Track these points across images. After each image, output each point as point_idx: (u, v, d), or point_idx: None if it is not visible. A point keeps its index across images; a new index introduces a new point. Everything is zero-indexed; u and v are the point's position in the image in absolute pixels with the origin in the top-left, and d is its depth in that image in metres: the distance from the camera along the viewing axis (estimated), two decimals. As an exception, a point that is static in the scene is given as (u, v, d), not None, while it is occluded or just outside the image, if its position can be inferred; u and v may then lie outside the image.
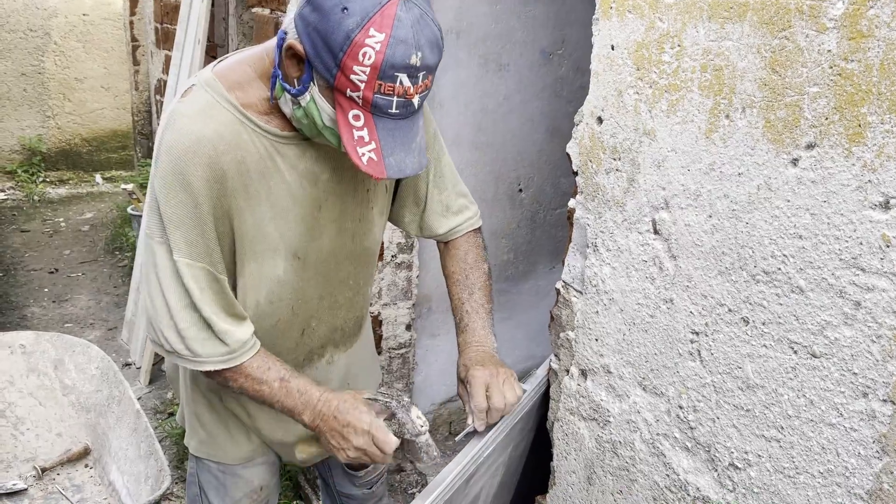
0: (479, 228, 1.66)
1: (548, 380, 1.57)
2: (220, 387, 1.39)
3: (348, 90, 1.13)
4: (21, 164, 6.51)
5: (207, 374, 1.35)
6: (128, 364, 3.66)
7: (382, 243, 2.39)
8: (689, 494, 1.23)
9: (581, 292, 1.42)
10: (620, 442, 1.36)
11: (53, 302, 4.34)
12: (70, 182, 6.59)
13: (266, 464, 1.64)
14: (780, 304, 1.04)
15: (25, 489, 2.21)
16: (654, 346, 1.26)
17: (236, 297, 1.37)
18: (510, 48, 2.49)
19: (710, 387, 1.17)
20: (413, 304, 2.47)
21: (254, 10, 2.90)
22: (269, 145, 1.30)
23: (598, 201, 1.35)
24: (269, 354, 1.37)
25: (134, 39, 5.51)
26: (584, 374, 1.44)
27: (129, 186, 4.48)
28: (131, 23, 5.51)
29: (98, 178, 6.69)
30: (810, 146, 0.97)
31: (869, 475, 0.97)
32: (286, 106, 1.26)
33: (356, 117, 1.15)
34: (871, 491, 0.96)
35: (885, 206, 0.90)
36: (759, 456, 1.11)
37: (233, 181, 1.27)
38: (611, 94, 1.28)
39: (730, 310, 1.12)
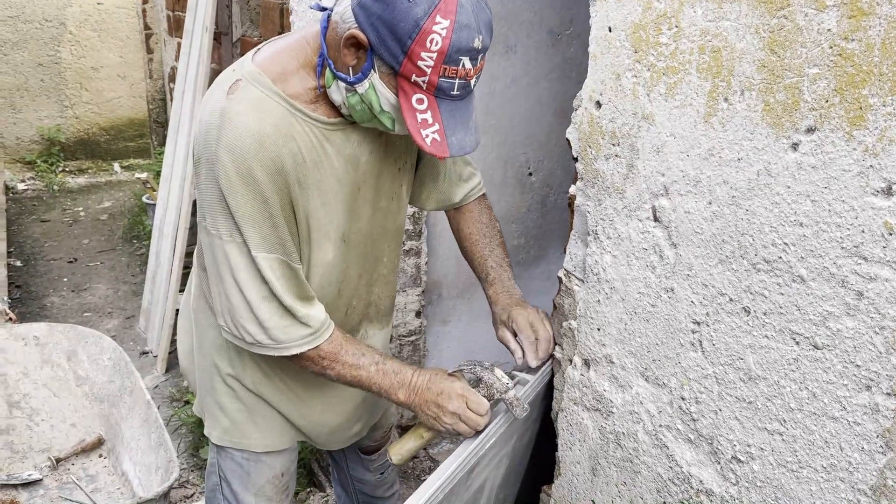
0: (485, 194, 1.73)
1: (552, 369, 1.55)
2: (317, 375, 1.43)
3: (414, 76, 1.17)
4: (40, 154, 6.55)
5: (301, 364, 1.39)
6: (145, 352, 3.69)
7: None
8: (692, 487, 1.20)
9: (583, 281, 1.39)
10: (624, 433, 1.34)
11: (72, 291, 4.39)
12: (89, 171, 6.63)
13: (289, 450, 1.65)
14: (782, 294, 1.01)
15: (41, 479, 2.24)
16: (656, 336, 1.24)
17: None
18: (517, 29, 2.44)
19: (712, 378, 1.14)
20: (422, 291, 2.45)
21: (259, -4, 2.88)
22: (319, 133, 1.32)
23: (597, 188, 1.31)
24: (354, 338, 1.43)
25: (147, 27, 5.51)
26: (587, 364, 1.41)
27: (144, 175, 4.50)
28: (144, 10, 5.51)
29: (116, 166, 6.73)
30: (810, 130, 0.93)
31: (873, 470, 0.93)
32: (337, 94, 1.28)
33: (420, 101, 1.20)
34: (875, 486, 0.93)
35: (888, 192, 0.86)
36: (762, 449, 1.08)
37: (291, 173, 1.30)
38: (609, 77, 1.25)
39: (731, 299, 1.09)
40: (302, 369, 1.44)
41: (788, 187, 0.97)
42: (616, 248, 1.29)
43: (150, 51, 5.55)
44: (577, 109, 1.35)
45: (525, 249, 2.73)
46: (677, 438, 1.22)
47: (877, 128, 0.86)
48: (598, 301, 1.35)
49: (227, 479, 1.62)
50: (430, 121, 1.20)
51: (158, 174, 4.60)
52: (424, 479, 1.33)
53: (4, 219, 4.96)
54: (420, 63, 1.15)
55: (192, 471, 2.82)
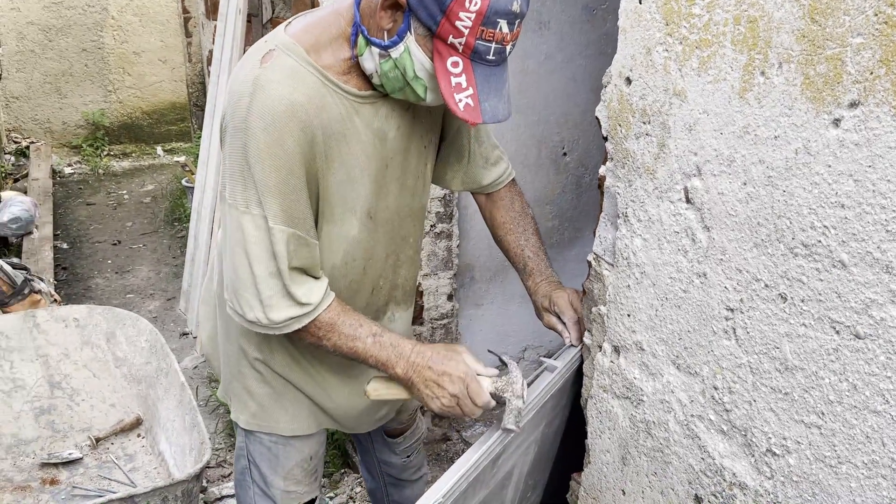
0: (514, 178, 1.70)
1: (581, 355, 1.51)
2: (314, 347, 1.41)
3: (451, 37, 1.17)
4: (86, 138, 6.68)
5: (298, 335, 1.36)
6: (185, 333, 3.75)
7: (421, 212, 2.35)
8: (724, 479, 1.16)
9: (612, 265, 1.34)
10: (654, 422, 1.29)
11: (116, 273, 4.47)
12: (132, 155, 6.73)
13: (317, 434, 1.65)
14: (821, 280, 0.95)
15: (81, 458, 2.29)
16: (688, 323, 1.18)
17: None
18: (551, 4, 2.37)
19: (746, 367, 1.09)
20: (454, 274, 2.42)
21: (290, -24, 2.85)
22: (350, 105, 1.32)
23: (628, 168, 1.26)
24: (355, 311, 1.39)
25: (185, 11, 5.55)
26: (616, 350, 1.37)
27: (182, 159, 4.54)
28: (183, -6, 5.54)
29: (159, 149, 6.82)
30: (853, 104, 0.87)
31: (918, 468, 0.88)
32: (370, 61, 1.28)
33: (455, 64, 1.19)
34: (919, 485, 0.88)
35: (937, 171, 0.80)
36: (799, 443, 1.02)
37: (319, 145, 1.29)
38: (639, 52, 1.19)
39: (766, 285, 1.03)
40: (300, 340, 1.41)
41: (829, 166, 0.91)
42: (647, 232, 1.24)
43: (188, 34, 5.60)
44: (606, 86, 1.29)
45: (559, 231, 2.67)
46: (709, 429, 1.18)
47: (925, 101, 0.79)
48: (629, 286, 1.30)
49: (256, 462, 1.63)
50: (465, 85, 1.20)
51: (197, 157, 4.65)
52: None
53: (52, 202, 5.07)
54: (458, 23, 1.15)
55: (230, 450, 2.85)
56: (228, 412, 3.02)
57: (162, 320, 3.91)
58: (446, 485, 1.24)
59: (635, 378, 1.32)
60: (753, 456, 1.10)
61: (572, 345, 1.53)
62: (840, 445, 0.97)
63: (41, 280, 3.49)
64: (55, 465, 2.26)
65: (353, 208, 1.38)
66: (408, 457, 1.91)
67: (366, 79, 1.32)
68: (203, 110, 5.69)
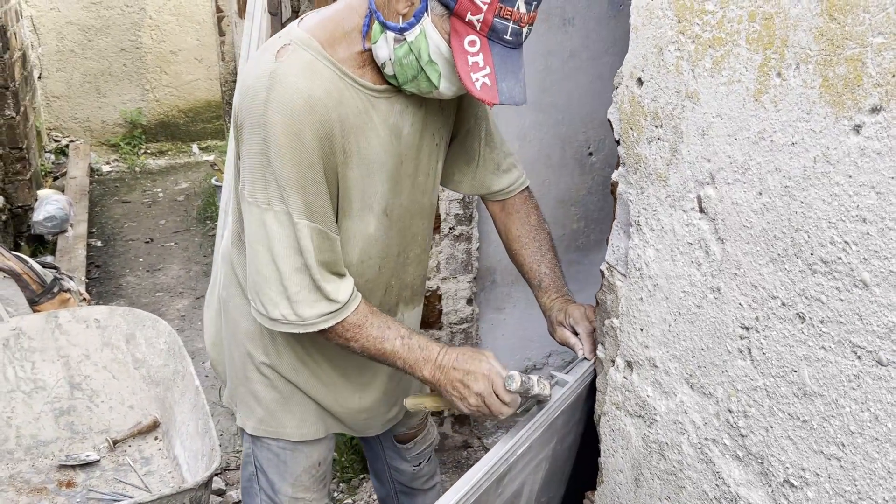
0: (528, 187, 1.67)
1: (594, 370, 1.44)
2: (341, 348, 1.39)
3: (469, 13, 1.16)
4: (124, 136, 6.77)
5: (325, 336, 1.35)
6: (212, 333, 3.75)
7: (439, 215, 2.29)
8: (740, 509, 1.08)
9: (625, 276, 1.27)
10: (667, 443, 1.22)
11: (147, 271, 4.51)
12: (169, 153, 6.81)
13: (326, 440, 1.62)
14: (841, 301, 0.87)
15: (98, 460, 2.29)
16: (702, 341, 1.11)
17: None
18: (575, 0, 2.30)
19: (762, 390, 1.01)
20: (474, 278, 2.36)
21: (313, -26, 2.82)
22: (366, 99, 1.31)
23: (640, 174, 1.19)
24: (381, 312, 1.38)
25: (219, 10, 5.57)
26: (629, 366, 1.30)
27: (211, 157, 4.56)
28: (217, -7, 5.57)
29: (195, 147, 6.89)
30: (875, 110, 0.79)
31: (946, 511, 0.79)
32: (383, 48, 1.26)
33: (472, 43, 1.18)
34: (948, 530, 0.79)
35: (969, 184, 0.72)
36: (818, 475, 0.94)
37: (337, 138, 1.28)
38: (651, 51, 1.12)
39: (783, 303, 0.95)
40: (327, 342, 1.39)
41: (850, 177, 0.83)
42: (659, 242, 1.17)
43: (221, 33, 5.62)
44: (617, 87, 1.22)
45: (584, 234, 2.59)
46: (724, 454, 1.10)
47: (956, 107, 0.71)
48: (641, 298, 1.23)
49: (264, 469, 1.60)
50: (482, 64, 1.19)
51: (226, 156, 4.66)
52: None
53: (87, 201, 5.15)
54: None
55: (250, 453, 2.84)
56: (250, 414, 3.02)
57: (190, 319, 3.93)
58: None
59: (648, 396, 1.25)
60: (770, 486, 1.02)
61: (585, 358, 1.47)
62: (860, 480, 0.89)
63: (71, 279, 3.53)
64: (72, 467, 2.26)
65: (370, 205, 1.37)
66: (418, 464, 1.86)
67: (380, 73, 1.31)
68: (236, 109, 5.72)
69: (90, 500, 2.14)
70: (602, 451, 1.41)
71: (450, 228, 2.28)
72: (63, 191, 5.17)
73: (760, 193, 0.96)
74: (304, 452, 1.58)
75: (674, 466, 1.21)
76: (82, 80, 6.63)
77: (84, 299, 3.51)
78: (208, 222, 5.07)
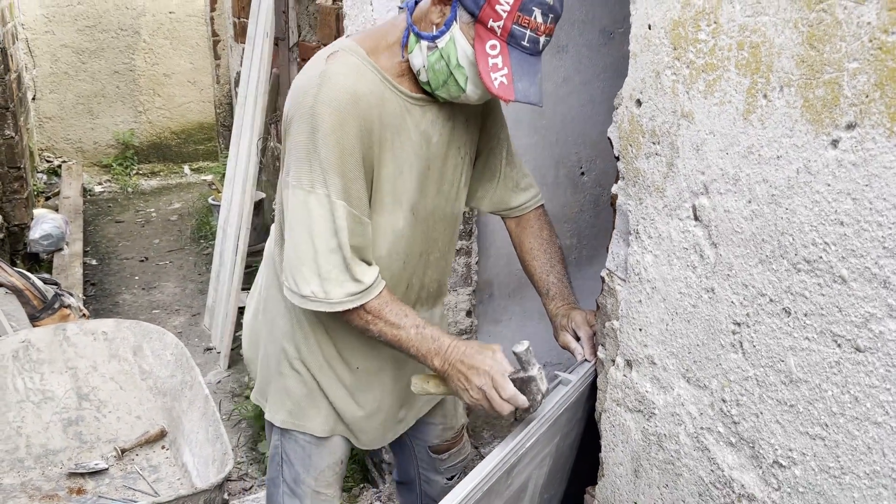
0: (543, 205, 1.79)
1: (595, 370, 1.54)
2: (360, 331, 1.48)
3: (491, 20, 1.31)
4: (116, 157, 6.84)
5: (346, 317, 1.45)
6: (209, 349, 3.82)
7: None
8: (733, 491, 1.18)
9: (625, 280, 1.38)
10: (665, 435, 1.32)
11: (143, 289, 4.57)
12: (160, 174, 6.88)
13: (346, 439, 1.70)
14: (823, 295, 0.98)
15: (107, 469, 2.35)
16: (697, 337, 1.22)
17: None
18: (569, 29, 2.43)
19: (753, 380, 1.12)
20: (473, 290, 2.46)
21: (318, 1, 2.94)
22: (403, 104, 1.46)
23: (638, 187, 1.30)
24: (401, 301, 1.48)
25: (215, 34, 5.69)
26: (629, 364, 1.40)
27: (210, 177, 4.64)
28: (212, 18, 5.69)
29: (186, 168, 6.97)
30: (850, 126, 0.90)
31: (917, 478, 0.90)
32: (418, 57, 1.41)
33: (493, 47, 1.33)
34: (919, 495, 0.90)
35: (930, 189, 0.83)
36: (804, 454, 1.05)
37: (376, 134, 1.42)
38: (648, 75, 1.23)
39: (771, 300, 1.06)
40: (347, 324, 1.48)
41: (828, 185, 0.95)
42: (657, 248, 1.28)
43: (217, 57, 5.73)
44: (617, 108, 1.34)
45: (577, 250, 2.71)
46: (718, 441, 1.20)
47: (918, 123, 0.83)
48: (640, 301, 1.34)
49: (291, 461, 1.69)
50: (500, 65, 1.33)
51: (223, 176, 4.75)
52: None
53: (82, 220, 5.20)
54: (498, 7, 1.30)
55: (251, 464, 2.90)
56: (251, 426, 3.09)
57: (187, 335, 3.98)
58: (461, 493, 1.27)
59: (647, 391, 1.35)
60: (761, 468, 1.13)
61: (586, 360, 1.57)
62: (843, 456, 0.99)
63: (71, 295, 3.58)
64: (82, 474, 2.32)
65: (400, 201, 1.49)
66: (451, 477, 1.92)
67: (416, 83, 1.46)
68: (230, 130, 5.81)
69: (102, 505, 2.20)
70: (603, 447, 1.51)
71: (450, 243, 2.38)
72: (57, 210, 5.22)
73: (750, 202, 1.07)
74: (328, 449, 1.67)
75: (671, 456, 1.31)
76: (75, 102, 6.71)
77: (84, 315, 3.56)
78: (202, 241, 5.14)
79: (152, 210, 5.95)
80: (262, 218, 4.22)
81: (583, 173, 2.64)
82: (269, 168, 4.33)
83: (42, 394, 2.44)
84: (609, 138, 1.38)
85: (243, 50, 4.73)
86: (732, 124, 1.08)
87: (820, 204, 0.96)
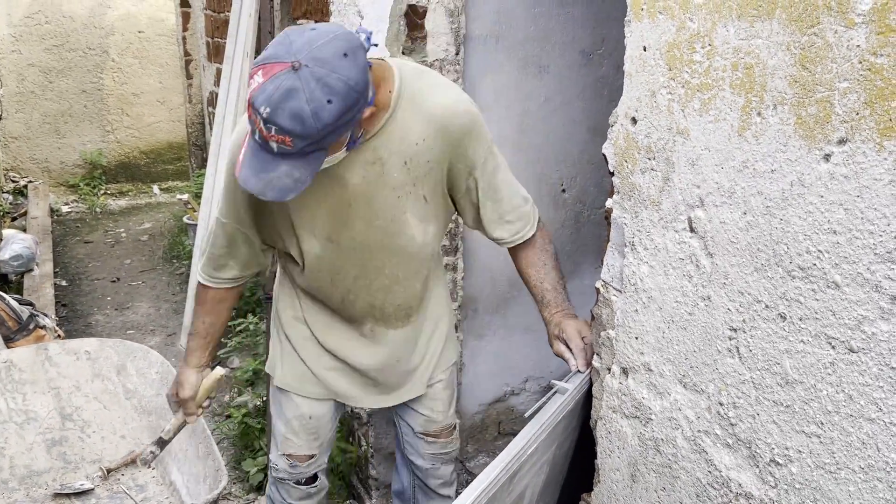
0: (540, 219, 1.81)
1: (590, 378, 1.59)
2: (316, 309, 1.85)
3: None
4: (83, 177, 6.75)
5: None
6: (187, 368, 3.78)
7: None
8: (731, 491, 1.23)
9: (620, 291, 1.43)
10: (662, 439, 1.37)
11: (116, 310, 4.51)
12: (129, 194, 6.82)
13: (314, 398, 1.90)
14: (817, 300, 1.04)
15: (92, 489, 2.32)
16: (693, 344, 1.27)
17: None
18: (549, 49, 2.50)
19: (750, 383, 1.17)
20: (459, 306, 2.50)
21: (298, 21, 2.98)
22: None
23: (634, 200, 1.36)
24: (216, 307, 1.87)
25: (187, 54, 5.68)
26: (625, 372, 1.45)
27: (185, 196, 4.62)
28: (184, 38, 5.68)
29: (155, 188, 6.91)
30: (842, 141, 0.97)
31: (910, 470, 0.96)
32: None
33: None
34: (912, 486, 0.96)
35: (918, 199, 0.90)
36: (800, 452, 1.11)
37: None
38: (644, 94, 1.30)
39: (767, 306, 1.12)
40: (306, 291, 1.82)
41: (821, 197, 1.01)
42: (653, 259, 1.33)
43: (189, 76, 5.71)
44: (612, 126, 1.40)
45: (559, 265, 2.76)
46: (716, 443, 1.26)
47: (906, 138, 0.90)
48: (636, 310, 1.39)
49: (272, 401, 2.00)
50: (243, 148, 1.43)
51: (198, 195, 4.73)
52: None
53: (51, 240, 5.13)
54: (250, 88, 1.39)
55: (235, 483, 2.88)
56: (233, 445, 3.07)
57: (163, 355, 3.92)
58: (466, 501, 1.31)
59: (643, 398, 1.40)
60: (758, 466, 1.18)
61: (579, 371, 1.62)
62: (838, 452, 1.05)
63: (46, 316, 3.54)
64: (67, 495, 2.29)
65: (311, 231, 1.66)
66: (433, 464, 2.02)
67: None
68: (202, 149, 5.79)
69: (89, 526, 2.17)
70: (599, 453, 1.55)
71: (436, 259, 2.42)
72: (25, 230, 5.14)
73: (745, 213, 1.13)
74: (294, 401, 1.90)
75: (668, 459, 1.36)
76: (42, 121, 6.62)
77: (59, 336, 3.51)
78: (175, 261, 5.10)
79: (122, 230, 5.88)
80: (239, 237, 4.20)
81: (564, 190, 2.71)
82: (246, 187, 4.32)
83: (25, 414, 2.40)
84: (604, 154, 1.44)
85: (217, 70, 4.73)
86: (727, 140, 1.14)
87: (813, 214, 1.03)
